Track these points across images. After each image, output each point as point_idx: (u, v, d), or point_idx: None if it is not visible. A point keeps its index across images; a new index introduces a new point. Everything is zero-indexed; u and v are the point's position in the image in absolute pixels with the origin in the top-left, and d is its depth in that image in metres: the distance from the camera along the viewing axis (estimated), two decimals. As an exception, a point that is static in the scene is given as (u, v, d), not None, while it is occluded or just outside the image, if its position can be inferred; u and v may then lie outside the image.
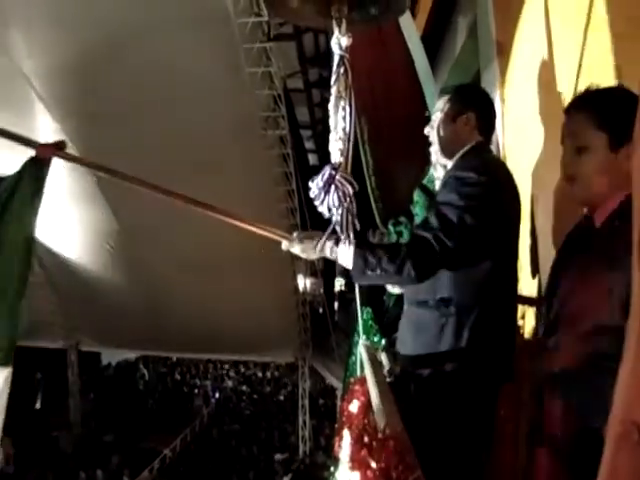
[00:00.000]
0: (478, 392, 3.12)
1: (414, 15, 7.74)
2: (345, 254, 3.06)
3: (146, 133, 13.68)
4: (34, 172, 3.13)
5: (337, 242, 3.10)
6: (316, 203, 3.28)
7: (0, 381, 3.05)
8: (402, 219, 4.74)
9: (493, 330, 3.12)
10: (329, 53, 3.39)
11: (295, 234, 3.24)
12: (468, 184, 3.05)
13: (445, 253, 2.92)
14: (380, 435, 1.77)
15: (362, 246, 3.07)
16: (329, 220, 3.30)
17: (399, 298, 4.18)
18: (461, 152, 3.35)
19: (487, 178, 3.08)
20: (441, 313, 3.13)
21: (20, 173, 3.11)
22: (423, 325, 3.24)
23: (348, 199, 3.21)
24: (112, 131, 13.21)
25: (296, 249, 3.24)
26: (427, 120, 3.67)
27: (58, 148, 3.24)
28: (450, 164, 3.40)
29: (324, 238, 3.15)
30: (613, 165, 2.16)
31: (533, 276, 3.67)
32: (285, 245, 3.28)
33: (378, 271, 2.95)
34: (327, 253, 3.14)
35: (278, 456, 23.51)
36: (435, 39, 7.67)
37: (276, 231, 3.32)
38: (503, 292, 3.19)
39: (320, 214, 3.36)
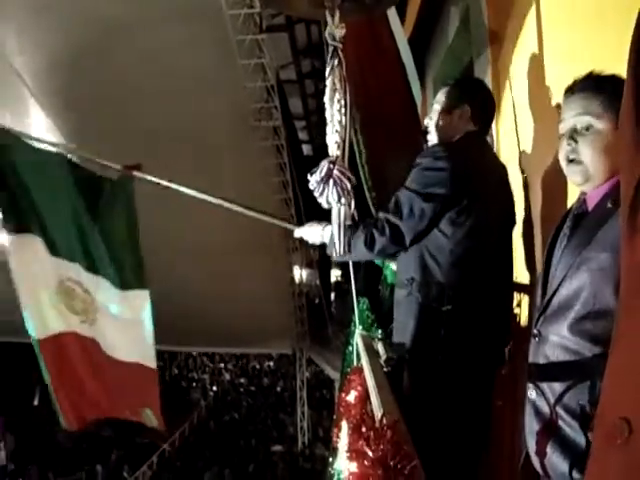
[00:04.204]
0: (445, 373, 3.17)
1: (406, 4, 7.73)
2: (327, 235, 3.50)
3: (140, 128, 13.66)
4: (123, 187, 4.55)
5: (325, 227, 3.57)
6: (315, 195, 3.34)
7: (143, 297, 4.87)
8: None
9: (459, 310, 3.16)
10: (321, 44, 3.42)
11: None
12: (424, 169, 3.19)
13: (394, 233, 3.18)
14: (377, 425, 1.77)
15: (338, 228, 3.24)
16: (325, 210, 3.37)
17: (395, 288, 4.23)
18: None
19: (446, 162, 3.16)
20: (408, 291, 3.27)
21: (113, 188, 4.59)
22: (400, 304, 3.40)
23: (346, 193, 3.27)
24: (106, 126, 13.20)
25: (304, 236, 3.78)
26: (416, 112, 3.76)
27: (138, 168, 4.51)
28: None
29: (321, 224, 3.64)
30: (615, 148, 2.15)
31: (527, 263, 3.67)
32: (297, 232, 3.84)
33: (344, 247, 3.15)
34: (324, 238, 3.58)
35: (277, 448, 23.55)
36: (427, 28, 7.65)
37: (286, 218, 3.68)
38: (471, 274, 3.21)
39: (315, 204, 3.43)
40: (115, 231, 4.76)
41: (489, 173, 3.38)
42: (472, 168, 3.24)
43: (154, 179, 4.40)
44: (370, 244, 3.22)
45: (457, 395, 3.15)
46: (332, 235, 3.25)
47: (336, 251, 3.27)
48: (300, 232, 3.85)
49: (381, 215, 3.23)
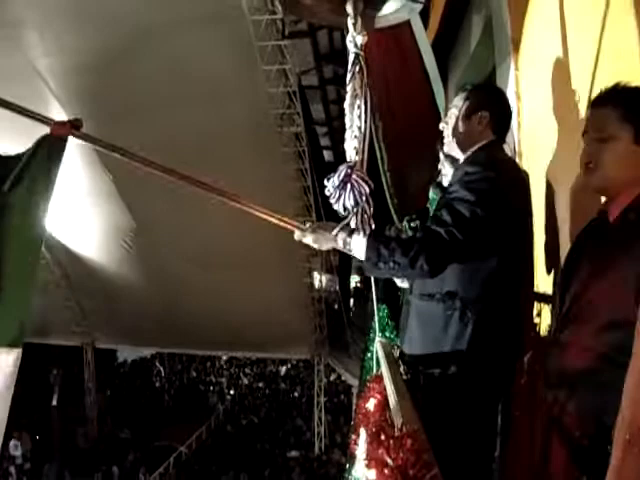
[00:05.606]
0: (485, 387, 3.13)
1: (428, 12, 7.73)
2: (358, 246, 3.07)
3: (162, 131, 13.71)
4: (48, 152, 2.99)
5: (350, 234, 3.12)
6: (332, 202, 3.29)
7: (10, 362, 2.98)
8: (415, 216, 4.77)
9: (497, 325, 3.13)
10: (344, 50, 3.41)
11: (308, 224, 3.24)
12: (477, 180, 3.08)
13: (457, 247, 2.96)
14: (397, 433, 1.77)
15: (375, 238, 3.08)
16: (345, 217, 3.30)
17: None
18: (472, 149, 3.36)
19: (495, 174, 3.10)
20: (447, 306, 3.15)
21: (32, 153, 2.99)
22: (430, 318, 3.27)
23: (364, 198, 3.21)
24: (127, 129, 13.23)
25: (308, 239, 3.26)
26: (439, 119, 3.68)
27: (75, 127, 3.06)
28: (461, 159, 3.42)
29: (337, 229, 3.17)
30: (635, 158, 2.17)
31: (548, 272, 3.66)
32: (298, 235, 3.30)
33: (391, 264, 2.98)
34: (340, 244, 3.15)
35: (293, 453, 23.53)
36: (450, 36, 7.65)
37: (289, 220, 3.28)
38: (508, 288, 3.19)
39: (336, 211, 3.37)
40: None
41: (521, 183, 3.37)
42: (513, 177, 3.24)
43: (99, 144, 3.19)
44: (433, 260, 2.97)
45: (483, 406, 3.14)
46: (369, 248, 3.05)
47: (378, 268, 3.09)
48: (303, 235, 3.31)
49: (439, 229, 2.99)
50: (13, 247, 2.95)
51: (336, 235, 3.16)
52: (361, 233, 3.11)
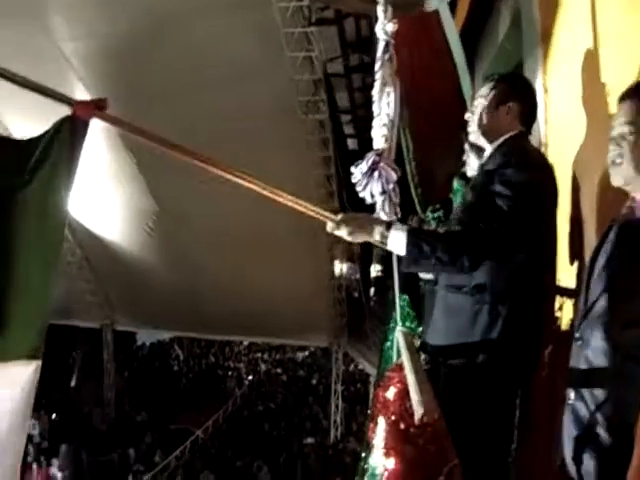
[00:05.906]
0: (508, 382, 3.12)
1: (456, 2, 7.69)
2: (398, 240, 2.99)
3: (186, 117, 13.74)
4: (70, 135, 2.73)
5: (388, 227, 3.03)
6: (358, 189, 3.26)
7: (29, 374, 2.71)
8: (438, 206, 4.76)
9: (525, 320, 3.12)
10: (370, 38, 3.41)
11: (341, 216, 3.15)
12: (512, 173, 3.05)
13: (498, 243, 2.96)
14: (417, 422, 1.77)
15: (416, 233, 3.04)
16: (369, 205, 3.28)
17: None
18: (500, 140, 3.32)
19: (528, 166, 3.08)
20: (476, 299, 3.12)
21: (52, 135, 2.71)
22: (457, 310, 3.24)
23: (391, 186, 3.19)
24: (153, 113, 13.28)
25: (342, 232, 3.14)
26: (466, 109, 3.64)
27: (98, 107, 2.80)
28: (488, 150, 3.38)
29: (376, 222, 3.10)
30: None
31: (572, 265, 3.63)
32: (330, 227, 3.18)
33: (433, 260, 2.94)
34: (377, 238, 3.06)
35: (309, 440, 23.55)
36: (477, 26, 7.60)
37: (320, 211, 3.20)
38: (534, 282, 3.17)
39: (360, 199, 3.34)
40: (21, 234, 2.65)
41: (550, 175, 3.34)
42: (544, 169, 3.23)
43: (124, 126, 3.02)
44: (475, 256, 2.95)
45: (503, 399, 3.13)
46: (411, 243, 2.96)
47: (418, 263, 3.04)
48: (337, 227, 3.13)
49: (481, 225, 2.97)
50: (34, 236, 2.71)
51: (373, 228, 3.07)
52: (399, 227, 3.02)
